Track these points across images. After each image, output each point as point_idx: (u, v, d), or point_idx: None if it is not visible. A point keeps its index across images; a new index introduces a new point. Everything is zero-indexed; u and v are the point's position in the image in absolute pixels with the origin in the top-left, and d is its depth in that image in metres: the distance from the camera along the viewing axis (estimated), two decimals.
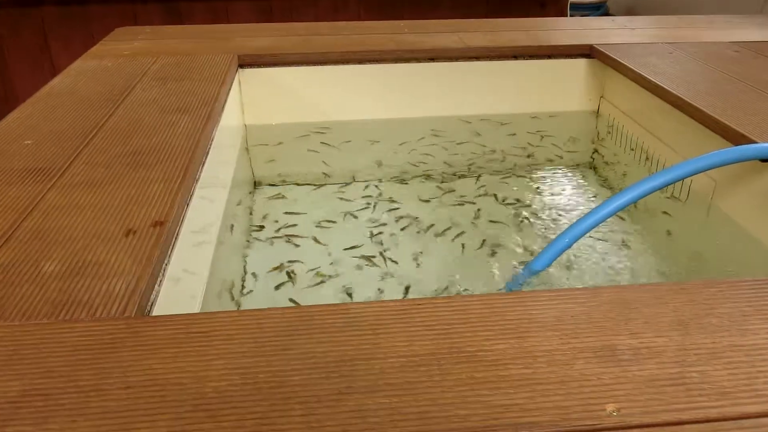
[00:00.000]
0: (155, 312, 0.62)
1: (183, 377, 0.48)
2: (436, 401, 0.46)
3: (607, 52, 1.35)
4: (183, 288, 0.75)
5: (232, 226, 1.07)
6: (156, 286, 0.63)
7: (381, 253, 1.04)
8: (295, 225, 1.13)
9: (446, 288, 0.95)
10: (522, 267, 0.98)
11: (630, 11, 3.89)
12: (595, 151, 1.44)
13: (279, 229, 1.13)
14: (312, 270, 1.00)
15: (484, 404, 0.46)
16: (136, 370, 0.49)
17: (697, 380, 0.49)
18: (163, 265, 0.67)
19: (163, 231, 0.68)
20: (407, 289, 0.95)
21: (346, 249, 1.05)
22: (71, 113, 1.00)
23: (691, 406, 0.46)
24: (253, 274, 1.00)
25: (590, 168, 1.37)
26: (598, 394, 0.47)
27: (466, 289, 0.95)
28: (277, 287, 0.97)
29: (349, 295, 0.94)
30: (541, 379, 0.48)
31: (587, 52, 1.42)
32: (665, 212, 1.13)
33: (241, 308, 0.92)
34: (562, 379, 0.48)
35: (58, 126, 0.95)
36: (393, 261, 1.02)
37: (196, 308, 0.79)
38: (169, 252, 0.69)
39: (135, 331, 0.53)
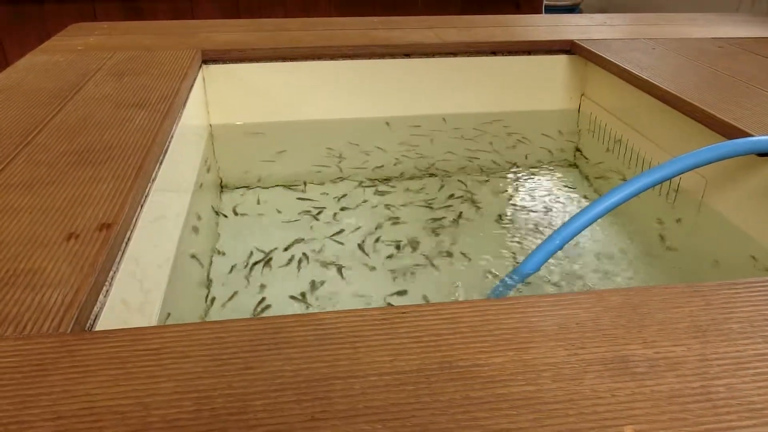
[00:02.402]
0: (99, 328, 0.53)
1: (124, 404, 0.40)
2: (427, 427, 0.39)
3: (589, 48, 1.30)
4: (136, 299, 0.67)
5: (196, 229, 0.99)
6: (101, 297, 0.55)
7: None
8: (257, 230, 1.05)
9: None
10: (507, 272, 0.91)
11: (603, 13, 3.88)
12: (577, 149, 1.38)
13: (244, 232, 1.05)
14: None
15: (482, 429, 0.39)
16: (69, 397, 0.41)
17: (724, 395, 0.42)
18: (110, 273, 0.58)
19: (111, 235, 0.60)
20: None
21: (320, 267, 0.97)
22: (14, 109, 0.91)
23: (720, 426, 0.40)
24: (222, 282, 0.92)
25: (572, 167, 1.32)
26: (614, 414, 0.40)
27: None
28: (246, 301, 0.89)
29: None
30: (547, 397, 0.42)
31: (568, 47, 1.37)
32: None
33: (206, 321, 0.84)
34: (571, 397, 0.42)
35: None
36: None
37: (151, 322, 0.71)
38: (118, 258, 0.61)
39: (70, 349, 0.45)
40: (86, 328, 0.51)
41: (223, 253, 0.98)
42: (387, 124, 1.40)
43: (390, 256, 0.97)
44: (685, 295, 0.52)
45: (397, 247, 0.99)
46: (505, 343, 0.46)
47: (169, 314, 0.76)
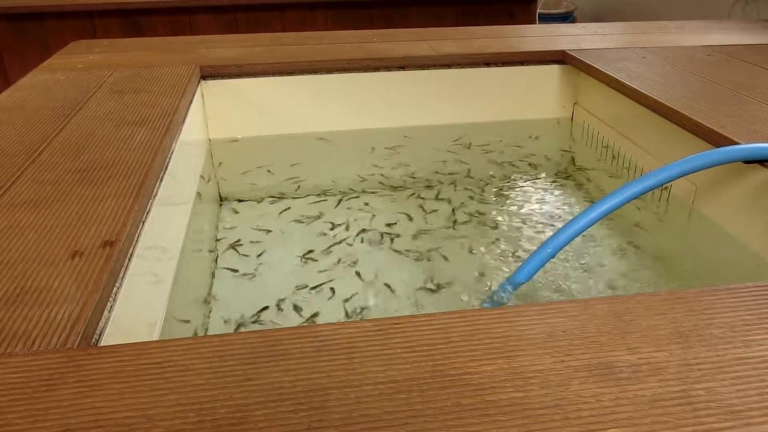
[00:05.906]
0: (105, 342, 0.55)
1: (130, 416, 0.42)
2: None
3: (580, 58, 1.33)
4: (139, 314, 0.69)
5: (197, 245, 1.01)
6: (105, 313, 0.57)
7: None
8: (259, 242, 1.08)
9: None
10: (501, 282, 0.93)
11: (597, 21, 3.91)
12: (571, 158, 1.41)
13: (246, 244, 1.07)
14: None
15: None
16: (77, 410, 0.43)
17: (704, 398, 0.44)
18: (114, 290, 0.60)
19: (114, 252, 0.62)
20: None
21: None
22: (17, 129, 0.93)
23: (699, 429, 0.42)
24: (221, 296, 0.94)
25: (566, 176, 1.34)
26: (599, 419, 0.42)
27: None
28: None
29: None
30: (535, 403, 0.43)
31: (560, 58, 1.40)
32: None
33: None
34: (557, 402, 0.44)
35: (2, 143, 0.88)
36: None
37: (154, 337, 0.73)
38: (122, 275, 0.63)
39: (77, 364, 0.47)
40: (92, 343, 0.53)
41: (224, 267, 1.01)
42: (382, 135, 1.42)
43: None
44: (669, 302, 0.54)
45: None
46: (494, 352, 0.48)
47: (172, 327, 0.78)
